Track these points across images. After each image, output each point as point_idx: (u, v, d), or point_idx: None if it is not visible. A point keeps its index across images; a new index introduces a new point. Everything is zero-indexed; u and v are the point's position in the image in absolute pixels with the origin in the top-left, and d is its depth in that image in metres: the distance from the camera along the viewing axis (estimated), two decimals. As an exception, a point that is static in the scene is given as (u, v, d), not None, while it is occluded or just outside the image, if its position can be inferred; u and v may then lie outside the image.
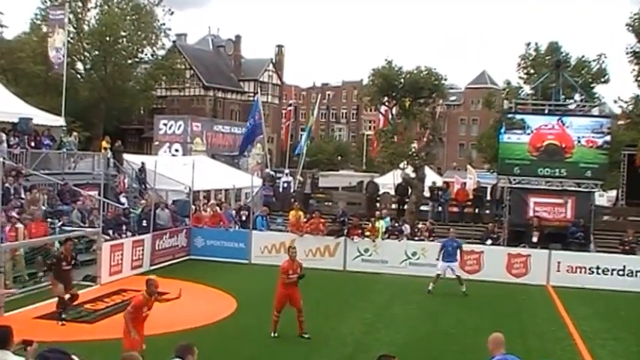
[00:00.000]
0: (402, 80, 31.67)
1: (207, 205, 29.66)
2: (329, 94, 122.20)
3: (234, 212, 29.10)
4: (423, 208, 32.40)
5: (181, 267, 24.46)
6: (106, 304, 18.41)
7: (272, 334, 15.55)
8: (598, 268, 24.47)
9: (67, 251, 17.13)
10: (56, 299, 16.33)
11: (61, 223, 22.69)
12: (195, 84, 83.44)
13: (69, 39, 44.53)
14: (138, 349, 10.84)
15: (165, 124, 52.82)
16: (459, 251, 22.72)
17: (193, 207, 28.53)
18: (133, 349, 10.27)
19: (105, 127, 58.62)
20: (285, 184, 35.42)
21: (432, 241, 26.31)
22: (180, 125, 52.10)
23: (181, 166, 31.90)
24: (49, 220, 22.31)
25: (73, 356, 7.09)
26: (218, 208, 28.38)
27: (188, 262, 25.84)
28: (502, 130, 29.28)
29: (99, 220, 22.67)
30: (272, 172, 38.61)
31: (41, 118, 30.71)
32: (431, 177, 37.20)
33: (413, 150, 32.49)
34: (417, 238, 26.53)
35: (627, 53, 32.47)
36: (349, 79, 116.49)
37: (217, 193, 34.52)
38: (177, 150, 50.46)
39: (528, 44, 45.94)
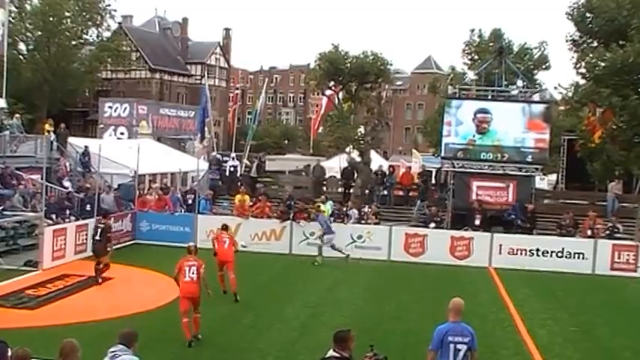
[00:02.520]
0: (348, 65, 31.72)
1: (152, 189, 29.39)
2: (276, 78, 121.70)
3: (180, 196, 28.87)
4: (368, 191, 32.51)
5: (126, 252, 24.13)
6: (49, 289, 18.10)
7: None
8: (538, 250, 24.88)
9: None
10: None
11: (2, 207, 22.25)
12: (141, 66, 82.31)
13: (10, 18, 43.45)
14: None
15: (110, 107, 52.14)
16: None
17: (138, 191, 28.23)
18: None
19: (49, 110, 57.40)
20: (232, 168, 35.20)
21: (378, 224, 26.50)
22: (125, 108, 51.48)
23: (127, 150, 31.46)
24: (-10, 203, 21.88)
25: (13, 347, 6.97)
26: (162, 192, 28.13)
27: (133, 247, 25.57)
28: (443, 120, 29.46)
29: (41, 204, 22.27)
30: (219, 156, 38.31)
31: (-19, 100, 30.00)
32: (377, 161, 37.35)
33: (359, 134, 32.57)
34: (363, 222, 26.64)
35: (567, 41, 32.97)
36: (297, 63, 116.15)
37: (163, 176, 34.19)
38: (122, 133, 49.85)
39: (472, 31, 46.31)
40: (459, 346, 8.97)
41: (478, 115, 28.55)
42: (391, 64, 33.13)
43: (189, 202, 28.06)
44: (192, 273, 13.98)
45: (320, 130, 45.36)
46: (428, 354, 9.14)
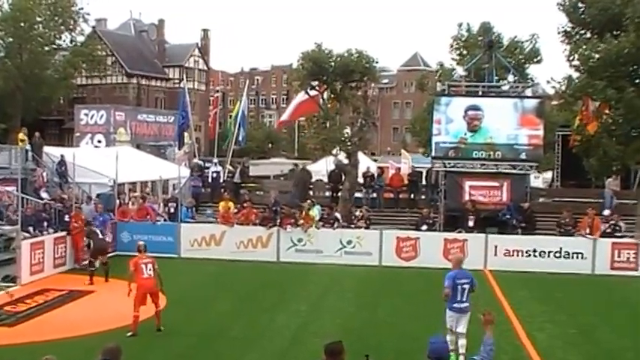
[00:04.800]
0: (333, 64, 31.65)
1: (133, 198, 29.29)
2: (258, 80, 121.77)
3: (161, 205, 28.78)
4: (357, 195, 32.54)
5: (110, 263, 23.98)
6: (28, 305, 18.00)
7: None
8: (535, 250, 24.95)
9: None
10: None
11: (-24, 221, 22.12)
12: (117, 71, 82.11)
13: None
14: None
15: (86, 114, 51.87)
16: None
17: (118, 200, 28.12)
18: None
19: (23, 119, 57.10)
20: (215, 174, 35.13)
21: (368, 228, 26.50)
22: (102, 115, 51.25)
23: (104, 158, 31.35)
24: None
25: None
26: (142, 201, 28.05)
27: (115, 259, 25.39)
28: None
29: (17, 216, 22.15)
30: (200, 162, 38.23)
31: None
32: (365, 163, 37.37)
33: (345, 135, 32.56)
34: (353, 226, 26.64)
35: (559, 33, 33.09)
36: (278, 64, 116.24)
37: (143, 185, 34.06)
38: (99, 141, 49.63)
39: (460, 25, 46.50)
40: (464, 286, 13.49)
41: (469, 113, 28.59)
42: (377, 62, 33.06)
43: (172, 210, 27.97)
44: (149, 270, 15.46)
45: (304, 132, 45.25)
46: (444, 291, 13.39)
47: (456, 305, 13.43)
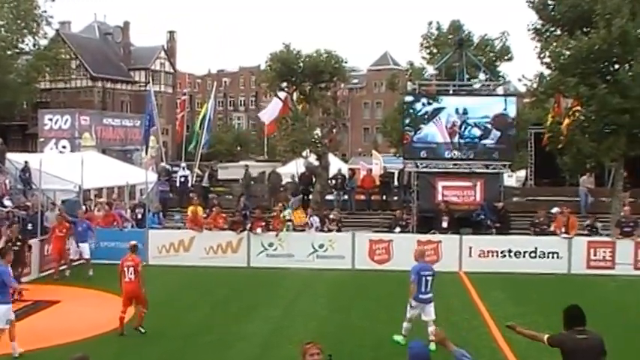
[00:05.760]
0: (301, 64, 31.59)
1: (99, 204, 28.96)
2: (226, 81, 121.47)
3: (128, 211, 28.48)
4: (328, 197, 32.47)
5: (74, 272, 23.66)
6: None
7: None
8: (510, 251, 24.95)
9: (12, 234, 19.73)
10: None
11: (-64, 232, 21.67)
12: (81, 75, 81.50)
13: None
14: None
15: (50, 119, 51.24)
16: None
17: (84, 207, 27.77)
18: None
19: (-15, 125, 56.53)
20: (182, 179, 34.93)
21: (340, 231, 26.38)
22: (66, 120, 50.64)
23: (69, 163, 30.98)
24: None
25: None
26: (108, 207, 27.73)
27: (81, 267, 25.07)
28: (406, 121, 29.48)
29: (-21, 226, 21.77)
30: (168, 166, 38.03)
31: None
32: (335, 164, 37.31)
33: (315, 137, 32.46)
34: (326, 229, 26.50)
35: (529, 30, 33.17)
36: (246, 65, 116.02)
37: (110, 191, 33.72)
38: (64, 146, 49.05)
39: (430, 23, 46.42)
40: (427, 278, 14.99)
41: (440, 112, 28.61)
42: (346, 62, 33.07)
43: (139, 216, 27.69)
44: (131, 273, 15.76)
45: (274, 134, 45.03)
46: (411, 285, 14.98)
47: (421, 296, 14.90)
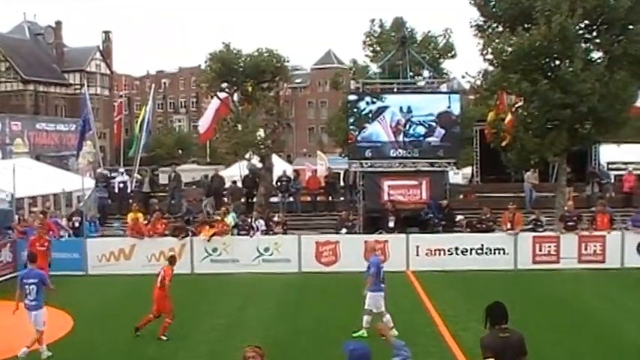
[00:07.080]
0: (242, 64, 31.54)
1: (33, 213, 28.58)
2: (165, 83, 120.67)
3: (65, 219, 28.16)
4: (273, 199, 32.52)
5: (7, 286, 23.19)
6: None
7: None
8: (457, 248, 25.38)
9: None
10: None
11: None
12: (12, 78, 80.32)
13: None
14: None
15: (-20, 125, 50.58)
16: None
17: (17, 216, 27.39)
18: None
19: None
20: (122, 184, 34.60)
21: (285, 234, 26.48)
22: (-3, 125, 50.06)
23: (0, 171, 30.53)
24: None
25: None
26: (43, 216, 27.39)
27: (15, 280, 24.65)
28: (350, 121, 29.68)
29: None
30: (106, 172, 37.65)
31: None
32: (280, 166, 37.36)
33: (258, 138, 32.45)
34: (271, 232, 26.55)
35: (471, 27, 33.62)
36: (186, 65, 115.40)
37: (45, 199, 33.32)
38: (-5, 153, 48.41)
39: (373, 21, 46.82)
40: (382, 269, 16.84)
41: (384, 110, 28.86)
42: (288, 61, 33.09)
43: (77, 225, 27.38)
44: (159, 282, 17.02)
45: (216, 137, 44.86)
46: (368, 278, 16.49)
47: (382, 286, 16.55)
